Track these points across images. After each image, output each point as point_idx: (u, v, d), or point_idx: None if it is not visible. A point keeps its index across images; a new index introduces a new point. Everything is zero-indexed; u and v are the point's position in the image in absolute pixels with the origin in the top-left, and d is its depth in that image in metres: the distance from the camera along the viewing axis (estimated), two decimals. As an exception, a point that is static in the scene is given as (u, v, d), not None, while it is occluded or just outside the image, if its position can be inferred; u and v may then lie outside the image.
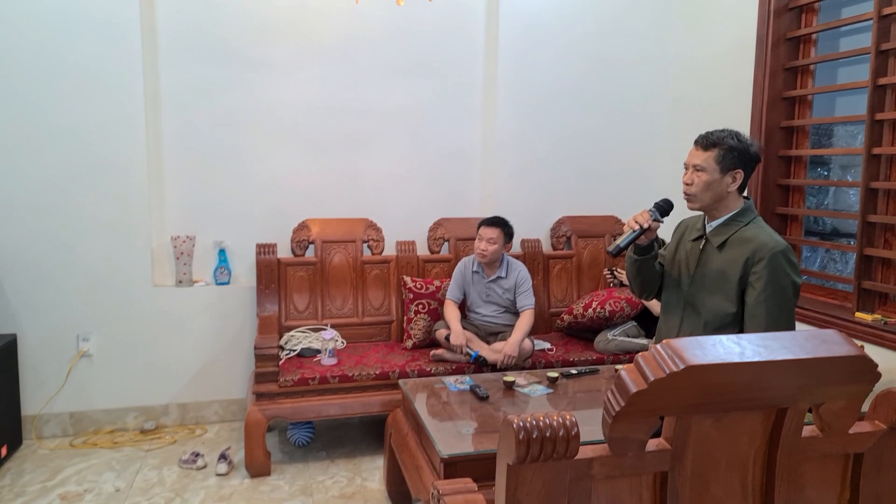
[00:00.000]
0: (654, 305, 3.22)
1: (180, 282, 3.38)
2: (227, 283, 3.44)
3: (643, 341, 3.26)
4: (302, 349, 3.18)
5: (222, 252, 3.45)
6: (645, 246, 2.00)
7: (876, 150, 2.76)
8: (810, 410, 1.28)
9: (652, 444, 1.20)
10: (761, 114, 3.26)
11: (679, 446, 1.20)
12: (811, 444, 1.28)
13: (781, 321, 1.82)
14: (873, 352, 2.62)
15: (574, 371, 2.77)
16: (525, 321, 3.12)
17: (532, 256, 3.68)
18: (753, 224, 1.91)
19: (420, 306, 3.34)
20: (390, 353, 3.26)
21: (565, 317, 3.53)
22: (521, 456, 1.11)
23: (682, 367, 1.08)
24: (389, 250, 3.59)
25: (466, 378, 2.67)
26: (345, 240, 3.50)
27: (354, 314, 3.48)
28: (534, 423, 1.12)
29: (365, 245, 3.54)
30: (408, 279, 3.42)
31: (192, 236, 3.39)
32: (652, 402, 1.12)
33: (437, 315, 3.34)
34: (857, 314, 2.79)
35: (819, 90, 3.10)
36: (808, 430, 1.29)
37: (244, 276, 3.49)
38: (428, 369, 3.05)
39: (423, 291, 3.38)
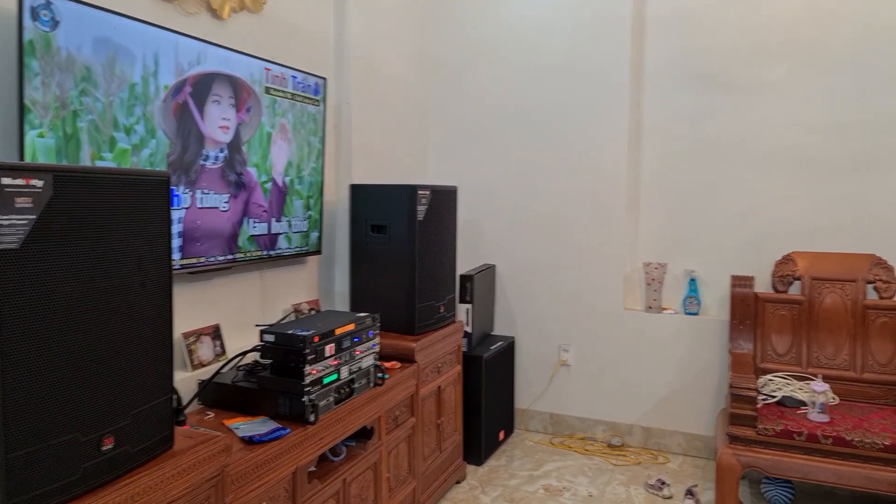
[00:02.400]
0: None
1: (650, 308, 3.46)
2: (696, 313, 3.37)
3: None
4: (783, 397, 2.85)
5: (693, 281, 3.40)
6: None
7: None
8: None
9: None
10: None
11: None
12: None
13: None
14: None
15: None
16: None
17: None
18: None
19: (953, 370, 2.60)
20: (903, 422, 2.63)
21: None
22: None
23: None
24: (905, 295, 2.92)
25: None
26: (842, 278, 3.00)
27: (851, 367, 2.94)
28: None
29: (870, 286, 2.96)
30: None
31: (663, 263, 3.44)
32: None
33: (980, 385, 2.54)
34: None
35: None
36: None
37: (714, 308, 3.36)
38: (968, 456, 2.34)
39: (958, 352, 2.61)
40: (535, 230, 3.66)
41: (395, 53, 3.46)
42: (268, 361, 1.97)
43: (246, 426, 1.85)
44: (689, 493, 2.84)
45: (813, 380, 2.82)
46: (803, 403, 2.78)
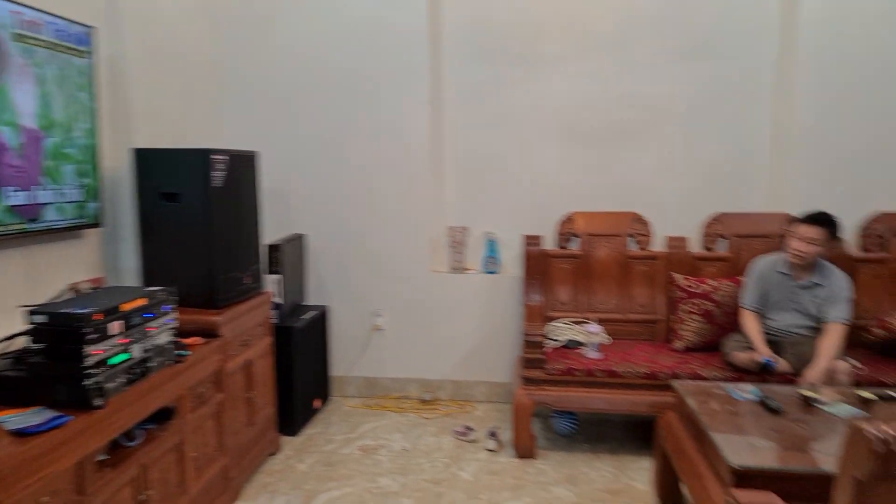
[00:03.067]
0: None
1: (454, 269, 3.68)
2: (496, 272, 3.65)
3: None
4: (567, 341, 3.23)
5: (491, 242, 3.67)
6: None
7: None
8: None
9: None
10: None
11: None
12: None
13: None
14: None
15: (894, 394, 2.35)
16: (834, 339, 2.71)
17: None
18: None
19: (692, 307, 3.15)
20: (658, 353, 3.14)
21: (877, 331, 3.02)
22: (877, 472, 0.98)
23: None
24: (658, 246, 3.45)
25: (750, 387, 2.44)
26: (610, 233, 3.46)
27: (618, 310, 3.42)
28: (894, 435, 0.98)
29: (631, 239, 3.46)
30: (678, 277, 3.25)
31: (465, 227, 3.67)
32: None
33: (711, 317, 3.11)
34: None
35: None
36: None
37: (511, 266, 3.67)
38: (702, 373, 2.87)
39: (695, 291, 3.17)
40: (344, 198, 3.66)
41: (179, 7, 3.19)
42: (40, 346, 1.75)
43: (17, 418, 1.64)
44: (492, 434, 3.11)
45: (589, 323, 3.23)
46: (582, 344, 3.18)
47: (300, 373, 3.26)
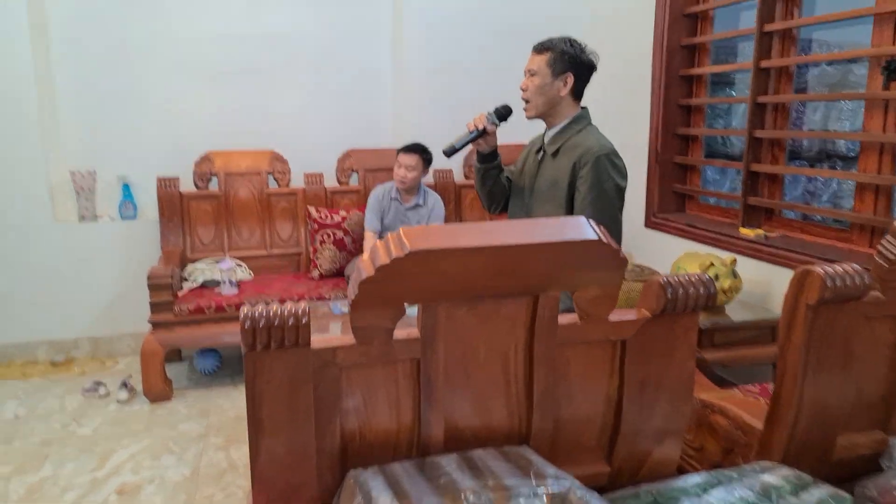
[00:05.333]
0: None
1: (83, 217, 3.36)
2: (134, 217, 3.43)
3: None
4: (205, 280, 3.20)
5: (126, 187, 3.42)
6: (487, 154, 2.00)
7: (764, 63, 2.72)
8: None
9: (402, 333, 1.23)
10: (663, 33, 3.20)
11: (428, 334, 1.23)
12: (572, 332, 1.31)
13: (605, 224, 1.83)
14: (752, 266, 2.67)
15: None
16: None
17: (444, 186, 3.67)
18: (585, 130, 1.90)
19: (325, 236, 3.35)
20: (296, 282, 3.29)
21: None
22: (249, 343, 1.14)
23: (406, 252, 1.09)
24: (298, 182, 3.57)
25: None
26: (249, 172, 3.48)
27: (262, 246, 3.49)
28: (263, 312, 1.14)
29: (271, 177, 3.52)
30: (312, 210, 3.41)
31: (92, 171, 3.36)
32: (384, 288, 1.13)
33: (343, 245, 3.35)
34: (742, 230, 2.82)
35: (720, 3, 3.03)
36: (569, 319, 1.32)
37: (149, 210, 3.47)
38: (327, 296, 3.09)
39: (328, 222, 3.37)
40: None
41: None
42: None
43: None
44: (124, 384, 2.98)
45: (223, 260, 3.24)
46: (219, 282, 3.18)
47: None
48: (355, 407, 1.22)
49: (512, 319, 1.28)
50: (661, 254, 3.17)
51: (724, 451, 1.67)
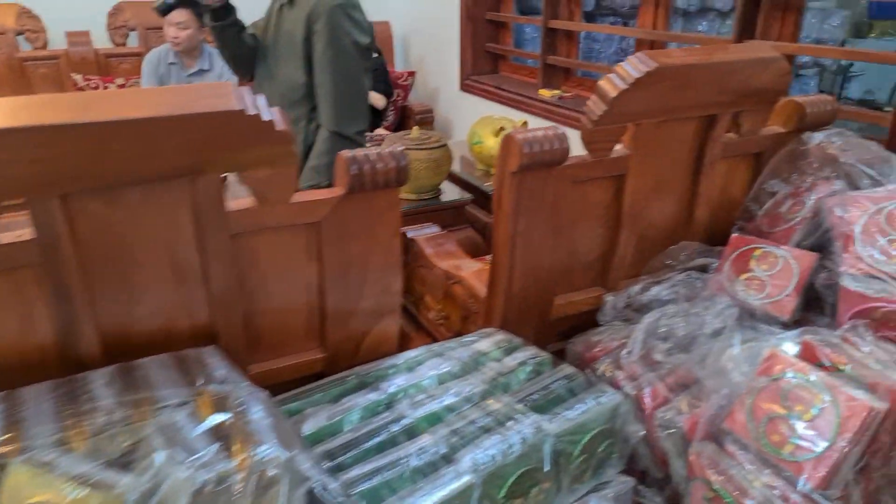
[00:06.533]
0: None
1: None
2: None
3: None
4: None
5: None
6: (217, 8, 1.71)
7: None
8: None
9: (10, 237, 1.02)
10: None
11: (46, 235, 1.03)
12: (248, 217, 1.15)
13: (348, 89, 1.66)
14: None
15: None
16: None
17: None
18: None
19: (98, 109, 2.91)
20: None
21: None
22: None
23: None
24: (57, 44, 3.02)
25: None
26: (-11, 31, 2.89)
27: (23, 122, 2.99)
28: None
29: (22, 38, 2.95)
30: (78, 78, 2.93)
31: None
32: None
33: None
34: (540, 91, 2.74)
35: None
36: (242, 204, 1.17)
37: None
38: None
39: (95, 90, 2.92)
40: None
41: None
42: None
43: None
44: None
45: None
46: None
47: None
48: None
49: (170, 209, 1.10)
50: (472, 118, 3.06)
51: (463, 318, 1.68)
